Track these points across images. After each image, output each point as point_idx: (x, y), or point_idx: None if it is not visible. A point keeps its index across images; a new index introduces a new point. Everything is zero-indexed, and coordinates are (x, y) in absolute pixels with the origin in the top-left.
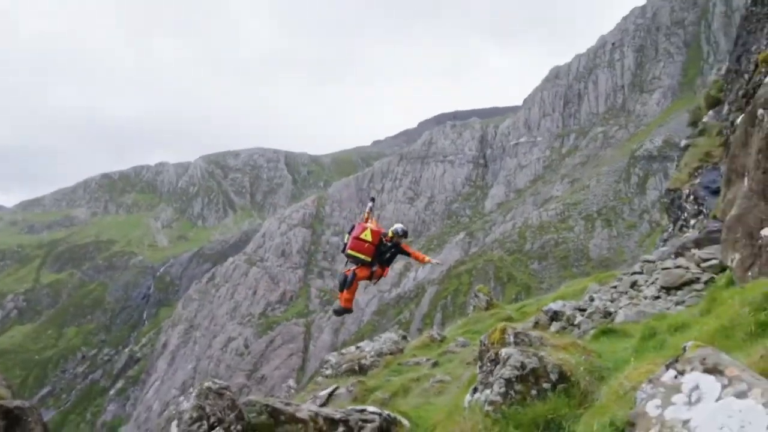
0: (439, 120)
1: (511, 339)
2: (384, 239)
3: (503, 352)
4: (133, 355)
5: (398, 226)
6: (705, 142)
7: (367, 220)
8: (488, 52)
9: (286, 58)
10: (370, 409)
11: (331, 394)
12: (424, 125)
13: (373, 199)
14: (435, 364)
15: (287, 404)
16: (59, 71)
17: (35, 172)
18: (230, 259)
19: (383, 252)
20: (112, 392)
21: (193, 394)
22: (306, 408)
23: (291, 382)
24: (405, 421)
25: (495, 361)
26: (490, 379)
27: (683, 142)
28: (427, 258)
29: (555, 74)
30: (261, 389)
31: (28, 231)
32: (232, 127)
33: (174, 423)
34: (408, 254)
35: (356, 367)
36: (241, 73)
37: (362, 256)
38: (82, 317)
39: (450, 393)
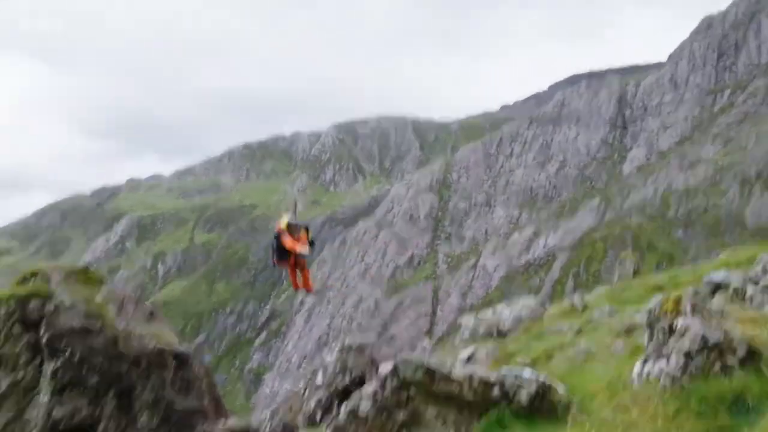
0: (573, 81)
1: (688, 309)
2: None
3: (680, 322)
4: (274, 311)
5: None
6: None
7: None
8: (627, 6)
9: (410, 28)
10: (526, 373)
11: (471, 356)
12: (556, 87)
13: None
14: (578, 332)
15: (442, 365)
16: (206, 53)
17: (189, 144)
18: (360, 223)
19: None
20: (256, 343)
21: (336, 349)
22: (460, 369)
23: (426, 343)
24: (561, 388)
25: (670, 332)
26: (664, 350)
27: None
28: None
29: (707, 24)
30: (391, 348)
31: (183, 196)
32: (360, 96)
33: (320, 374)
34: None
35: (494, 332)
36: (367, 44)
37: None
38: (230, 274)
39: (599, 362)
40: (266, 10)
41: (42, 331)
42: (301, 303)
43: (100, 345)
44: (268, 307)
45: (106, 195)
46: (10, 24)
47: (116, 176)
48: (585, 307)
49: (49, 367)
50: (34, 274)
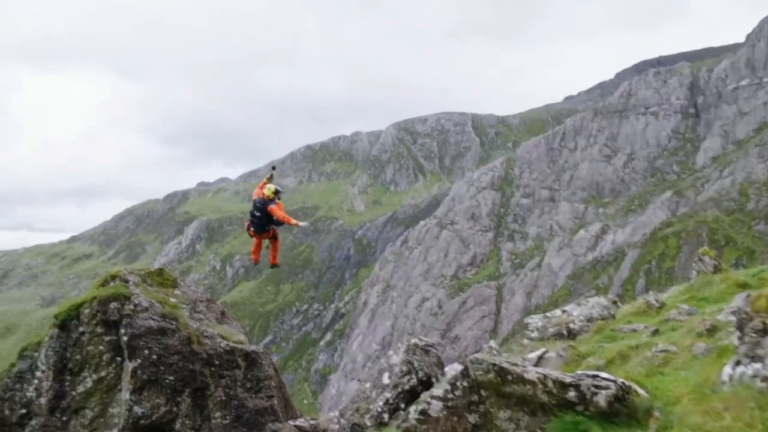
0: (640, 68)
1: None
2: None
3: None
4: (338, 311)
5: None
6: None
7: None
8: None
9: (468, 19)
10: (603, 375)
11: (540, 357)
12: (623, 76)
13: (273, 168)
14: (655, 332)
15: (514, 365)
16: (269, 60)
17: (255, 147)
18: (422, 223)
19: None
20: (322, 343)
21: (402, 350)
22: (533, 369)
23: (492, 343)
24: (642, 391)
25: (763, 331)
26: (759, 351)
27: None
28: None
29: None
30: (455, 348)
31: (248, 199)
32: (419, 94)
33: (386, 374)
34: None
35: (564, 332)
36: (424, 41)
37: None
38: (295, 275)
39: (680, 364)
40: (326, 15)
41: (122, 331)
42: (365, 303)
43: (176, 344)
44: (332, 306)
45: (177, 199)
46: (90, 39)
47: (186, 181)
48: (661, 306)
49: (129, 366)
50: (113, 277)
